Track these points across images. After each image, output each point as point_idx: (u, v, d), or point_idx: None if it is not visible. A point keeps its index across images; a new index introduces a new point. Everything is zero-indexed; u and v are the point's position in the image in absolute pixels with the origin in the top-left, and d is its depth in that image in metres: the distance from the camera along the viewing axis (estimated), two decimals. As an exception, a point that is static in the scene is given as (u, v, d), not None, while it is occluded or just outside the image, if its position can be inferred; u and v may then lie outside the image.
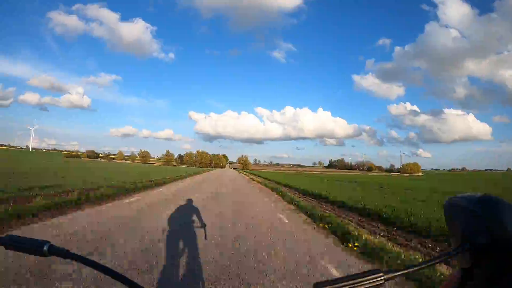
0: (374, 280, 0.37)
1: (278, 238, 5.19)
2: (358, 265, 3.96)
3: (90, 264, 0.51)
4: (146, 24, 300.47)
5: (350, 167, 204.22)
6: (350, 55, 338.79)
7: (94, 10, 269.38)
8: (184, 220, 6.10)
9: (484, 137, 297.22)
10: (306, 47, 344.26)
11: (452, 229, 0.46)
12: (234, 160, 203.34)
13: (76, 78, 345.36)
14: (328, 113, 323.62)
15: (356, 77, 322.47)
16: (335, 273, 3.57)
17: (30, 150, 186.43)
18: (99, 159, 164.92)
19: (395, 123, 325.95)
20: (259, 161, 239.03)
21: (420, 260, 4.03)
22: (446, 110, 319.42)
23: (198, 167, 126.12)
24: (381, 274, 0.38)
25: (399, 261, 3.94)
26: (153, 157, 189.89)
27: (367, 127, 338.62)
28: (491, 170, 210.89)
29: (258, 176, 41.27)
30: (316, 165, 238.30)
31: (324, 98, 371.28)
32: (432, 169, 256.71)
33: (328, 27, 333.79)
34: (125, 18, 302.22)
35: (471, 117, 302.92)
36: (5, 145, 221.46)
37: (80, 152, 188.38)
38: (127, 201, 9.05)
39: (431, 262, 0.40)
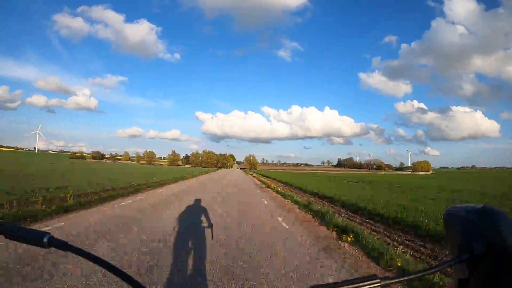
0: (370, 286, 0.37)
1: None
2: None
3: (89, 258, 0.50)
4: (151, 25, 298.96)
5: (359, 166, 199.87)
6: (356, 53, 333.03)
7: (98, 12, 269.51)
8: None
9: (492, 134, 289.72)
10: (311, 45, 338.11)
11: (451, 239, 0.46)
12: (242, 160, 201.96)
13: (83, 80, 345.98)
14: (335, 112, 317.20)
15: (362, 75, 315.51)
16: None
17: (36, 152, 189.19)
18: (104, 160, 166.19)
19: (402, 121, 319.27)
20: (266, 160, 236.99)
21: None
22: (453, 108, 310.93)
23: (204, 167, 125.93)
24: (378, 280, 0.38)
25: None
26: (159, 158, 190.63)
27: (375, 126, 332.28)
28: (500, 167, 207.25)
29: (268, 177, 35.59)
30: (325, 164, 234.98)
31: (330, 96, 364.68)
32: (441, 167, 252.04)
33: (333, 25, 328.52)
34: (130, 19, 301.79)
35: (479, 114, 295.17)
36: (13, 147, 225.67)
37: (86, 153, 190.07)
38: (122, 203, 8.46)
39: (429, 271, 0.41)
